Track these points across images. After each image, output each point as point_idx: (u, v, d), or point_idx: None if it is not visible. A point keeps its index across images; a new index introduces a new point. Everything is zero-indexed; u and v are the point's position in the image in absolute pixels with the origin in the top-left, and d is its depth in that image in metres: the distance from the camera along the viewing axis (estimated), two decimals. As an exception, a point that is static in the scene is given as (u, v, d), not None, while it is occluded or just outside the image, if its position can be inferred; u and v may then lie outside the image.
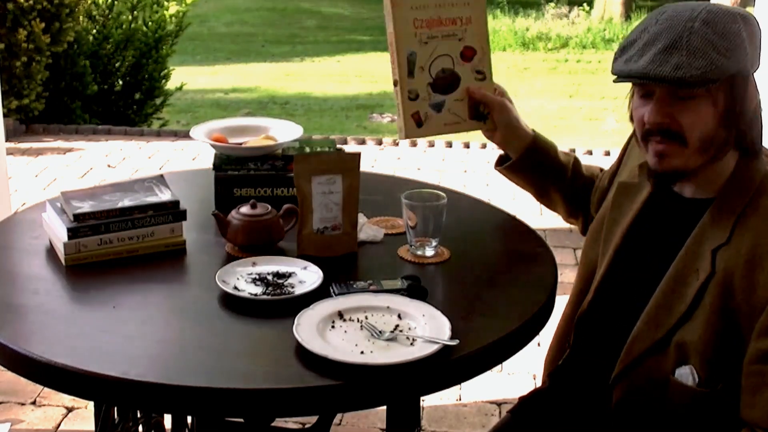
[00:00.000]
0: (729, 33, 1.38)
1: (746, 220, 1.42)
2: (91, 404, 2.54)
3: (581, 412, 1.68)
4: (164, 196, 1.82)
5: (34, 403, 2.79)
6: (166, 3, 6.64)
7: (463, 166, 5.44)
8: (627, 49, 1.46)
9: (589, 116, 7.60)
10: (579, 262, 1.76)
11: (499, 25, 11.25)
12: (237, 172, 1.99)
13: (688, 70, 1.36)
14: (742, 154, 1.48)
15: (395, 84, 1.78)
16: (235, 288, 1.60)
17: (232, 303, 1.58)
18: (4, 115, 5.59)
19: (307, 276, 1.66)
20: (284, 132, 2.12)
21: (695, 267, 1.45)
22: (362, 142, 5.90)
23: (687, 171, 1.47)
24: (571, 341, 1.70)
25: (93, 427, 1.95)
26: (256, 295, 1.58)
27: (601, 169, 1.93)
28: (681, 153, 1.45)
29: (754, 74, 1.46)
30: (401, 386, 1.39)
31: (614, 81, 1.48)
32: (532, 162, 1.88)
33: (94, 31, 6.47)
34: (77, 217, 1.73)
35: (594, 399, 1.62)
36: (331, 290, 1.59)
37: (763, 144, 1.51)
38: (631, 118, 1.56)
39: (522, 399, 1.81)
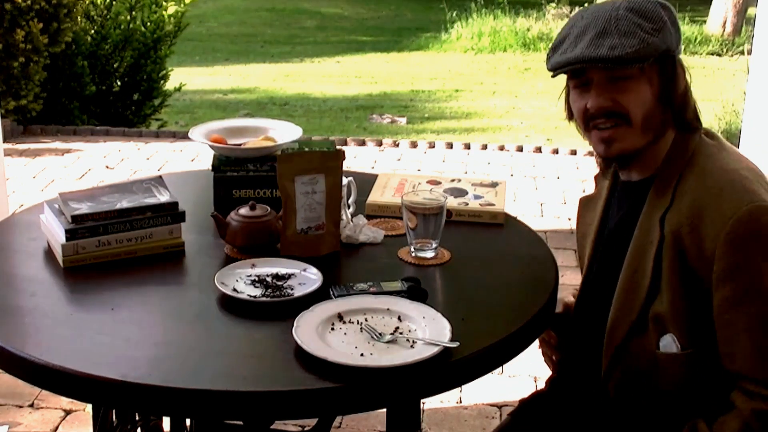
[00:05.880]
0: (652, 15, 1.48)
1: (684, 182, 1.49)
2: (89, 407, 2.53)
3: (581, 413, 1.68)
4: (163, 197, 1.81)
5: (32, 405, 2.78)
6: (164, 3, 6.62)
7: (464, 167, 5.43)
8: (559, 46, 1.53)
9: (589, 117, 7.57)
10: None
11: (500, 25, 11.22)
12: (236, 174, 1.98)
13: (622, 49, 1.44)
14: (681, 131, 1.54)
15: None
16: (234, 290, 1.59)
17: (231, 305, 1.57)
18: (2, 116, 5.58)
19: (306, 278, 1.65)
20: (283, 133, 2.11)
21: (650, 240, 1.50)
22: (362, 143, 5.89)
23: (634, 152, 1.52)
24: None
25: (91, 430, 1.94)
26: (255, 297, 1.57)
27: None
28: (627, 133, 1.51)
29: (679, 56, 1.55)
30: (401, 389, 1.38)
31: (553, 75, 1.55)
32: None
33: (92, 31, 6.46)
34: (75, 219, 1.72)
35: (592, 397, 1.64)
36: (331, 292, 1.58)
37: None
38: (570, 116, 1.62)
39: (522, 401, 1.81)
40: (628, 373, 1.55)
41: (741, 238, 1.40)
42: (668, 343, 1.48)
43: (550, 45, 1.56)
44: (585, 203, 1.75)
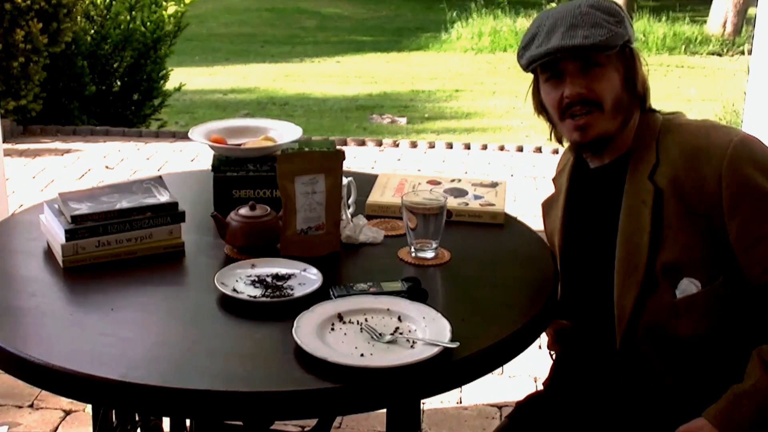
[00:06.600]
0: (612, 10, 1.60)
1: (663, 142, 1.59)
2: (89, 407, 2.53)
3: (579, 413, 1.68)
4: (163, 197, 1.81)
5: (31, 406, 2.78)
6: (164, 3, 6.62)
7: (464, 167, 5.43)
8: (531, 43, 1.61)
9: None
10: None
11: (500, 25, 11.23)
12: (236, 174, 1.98)
13: (595, 38, 1.55)
14: (645, 113, 1.64)
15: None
16: (234, 290, 1.59)
17: (231, 305, 1.57)
18: (2, 116, 5.58)
19: (306, 278, 1.65)
20: (283, 133, 2.11)
21: (641, 199, 1.56)
22: (362, 143, 5.89)
23: (608, 136, 1.60)
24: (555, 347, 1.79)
25: (91, 430, 1.94)
26: (255, 297, 1.57)
27: None
28: (600, 119, 1.58)
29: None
30: (401, 389, 1.38)
31: (527, 69, 1.63)
32: None
33: (92, 31, 6.46)
34: (75, 219, 1.72)
35: (597, 388, 1.65)
36: (331, 292, 1.58)
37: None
38: (540, 110, 1.67)
39: (519, 404, 1.81)
40: (647, 335, 1.56)
41: (742, 164, 1.49)
42: (686, 287, 1.53)
43: (520, 45, 1.64)
44: (548, 204, 1.80)
